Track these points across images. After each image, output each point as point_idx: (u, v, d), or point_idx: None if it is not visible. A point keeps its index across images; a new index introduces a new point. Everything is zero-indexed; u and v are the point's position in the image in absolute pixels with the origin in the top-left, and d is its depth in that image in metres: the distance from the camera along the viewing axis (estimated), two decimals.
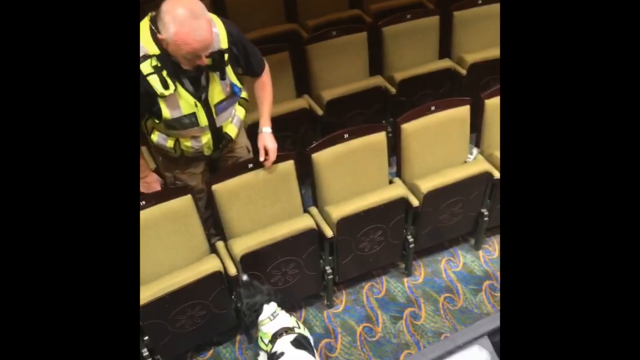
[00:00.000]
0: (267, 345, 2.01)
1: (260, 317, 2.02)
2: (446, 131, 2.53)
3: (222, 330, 2.42)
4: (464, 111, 2.54)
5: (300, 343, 1.98)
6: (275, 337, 1.99)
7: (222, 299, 2.25)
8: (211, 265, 2.16)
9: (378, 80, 3.08)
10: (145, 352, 2.15)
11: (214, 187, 2.19)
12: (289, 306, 2.57)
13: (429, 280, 2.73)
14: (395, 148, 2.56)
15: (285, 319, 2.05)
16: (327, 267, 2.48)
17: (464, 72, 3.15)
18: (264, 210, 2.30)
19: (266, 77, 2.19)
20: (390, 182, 2.54)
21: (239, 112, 2.19)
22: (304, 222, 2.29)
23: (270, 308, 2.03)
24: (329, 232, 2.32)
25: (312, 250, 2.36)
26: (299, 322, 2.11)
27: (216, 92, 2.00)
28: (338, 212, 2.30)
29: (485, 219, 2.72)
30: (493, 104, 2.59)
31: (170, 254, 2.17)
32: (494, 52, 3.19)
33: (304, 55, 3.01)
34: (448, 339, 1.41)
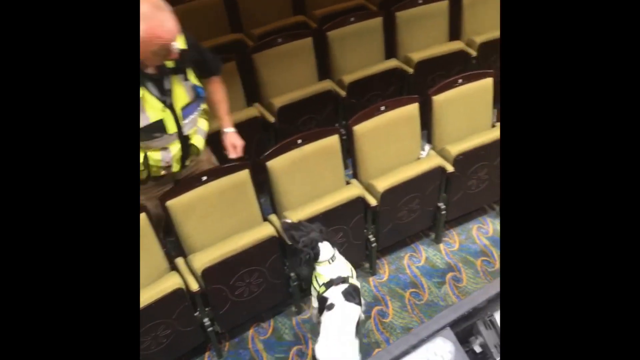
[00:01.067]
0: (320, 287, 2.14)
1: (320, 258, 2.12)
2: (397, 130, 2.61)
3: (192, 346, 2.40)
4: (413, 109, 2.63)
5: (350, 294, 2.10)
6: (331, 283, 2.11)
7: (186, 316, 2.23)
8: (172, 282, 2.15)
9: (327, 84, 3.15)
10: None
11: (168, 202, 2.18)
12: (257, 316, 2.59)
13: (393, 277, 2.80)
14: (349, 150, 2.62)
15: (342, 265, 2.17)
16: (292, 274, 2.50)
17: (410, 70, 3.27)
18: (222, 222, 2.31)
19: (220, 78, 2.22)
20: (347, 183, 2.60)
21: (201, 124, 2.19)
22: (265, 231, 2.31)
23: (327, 249, 2.13)
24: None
25: (275, 258, 2.38)
26: (352, 268, 2.22)
27: (180, 96, 2.00)
28: (296, 217, 2.33)
29: (443, 212, 2.82)
30: (440, 100, 2.70)
31: None
32: (438, 49, 3.33)
33: (252, 64, 3.04)
34: (411, 333, 1.45)
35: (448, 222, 2.98)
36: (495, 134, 2.75)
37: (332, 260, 2.15)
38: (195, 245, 2.29)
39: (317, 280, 2.16)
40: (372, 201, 2.51)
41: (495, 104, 2.90)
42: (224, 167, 2.28)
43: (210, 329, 2.36)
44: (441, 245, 2.96)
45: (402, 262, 2.88)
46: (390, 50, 3.43)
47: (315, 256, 2.12)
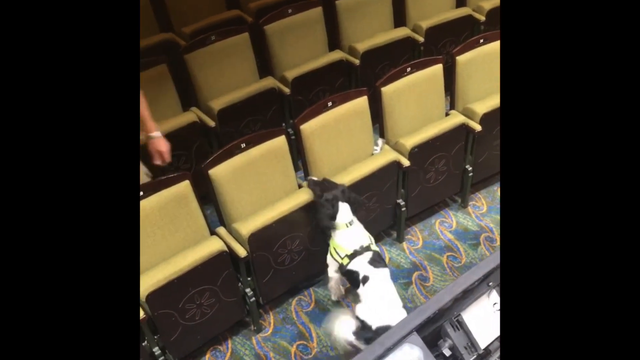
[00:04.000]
0: (342, 258, 2.29)
1: (338, 219, 2.27)
2: (348, 125, 2.61)
3: None
4: (362, 102, 2.64)
5: (376, 261, 2.27)
6: (355, 255, 2.26)
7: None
8: None
9: (269, 82, 3.12)
10: None
11: None
12: (213, 339, 2.52)
13: None
14: (299, 150, 2.60)
15: (361, 232, 2.34)
16: (248, 290, 2.45)
17: (357, 61, 3.28)
18: (164, 241, 2.23)
19: None
20: (300, 186, 2.57)
21: None
22: (212, 246, 2.26)
23: (346, 211, 2.28)
24: (241, 251, 2.30)
25: (227, 274, 2.33)
26: (369, 235, 2.37)
27: None
28: (247, 227, 2.30)
29: (403, 209, 2.84)
30: (390, 91, 2.72)
31: None
32: (384, 38, 3.36)
33: (185, 66, 2.97)
34: (376, 343, 1.44)
35: (409, 219, 3.02)
36: (449, 122, 2.79)
37: (350, 225, 2.29)
38: None
39: (337, 252, 2.30)
40: None
41: (446, 91, 2.95)
42: (162, 179, 2.20)
43: (161, 358, 2.28)
44: (404, 244, 2.98)
45: None
46: (334, 41, 3.44)
47: (334, 214, 2.26)
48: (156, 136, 2.28)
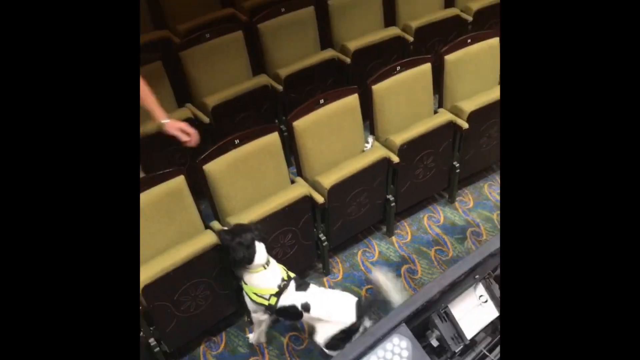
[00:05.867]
0: (269, 300, 2.13)
1: (255, 261, 2.09)
2: (339, 123, 2.62)
3: None
4: (353, 100, 2.64)
5: (301, 286, 2.16)
6: (280, 292, 2.12)
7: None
8: None
9: (263, 80, 3.11)
10: None
11: None
12: (208, 330, 2.52)
13: (348, 275, 2.82)
14: (291, 147, 2.59)
15: (275, 267, 2.17)
16: (241, 283, 2.45)
17: (348, 60, 3.28)
18: (160, 234, 2.23)
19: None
20: (292, 182, 2.57)
21: None
22: (206, 239, 2.25)
23: (262, 252, 2.11)
24: None
25: (221, 268, 2.32)
26: (282, 267, 2.22)
27: None
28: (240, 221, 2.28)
29: (392, 204, 2.85)
30: (380, 89, 2.72)
31: None
32: (374, 37, 3.36)
33: (179, 63, 2.95)
34: (367, 333, 1.45)
35: (398, 214, 3.03)
36: (437, 120, 2.80)
37: (267, 265, 2.15)
38: None
39: (260, 296, 2.15)
40: (320, 199, 2.50)
41: (435, 89, 2.96)
42: (157, 175, 2.19)
43: (157, 349, 2.28)
44: (394, 238, 3.00)
45: (355, 259, 2.90)
46: (326, 40, 3.43)
47: (250, 258, 2.08)
48: (167, 122, 2.23)
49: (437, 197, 3.22)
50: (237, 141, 2.34)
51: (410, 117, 2.83)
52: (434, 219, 3.11)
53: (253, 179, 2.43)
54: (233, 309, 2.53)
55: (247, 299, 2.21)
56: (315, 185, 2.55)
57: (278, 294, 2.13)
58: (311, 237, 2.63)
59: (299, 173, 2.65)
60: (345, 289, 2.73)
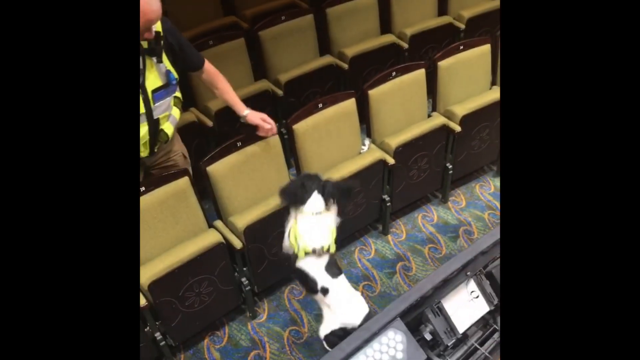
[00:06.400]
0: (299, 249, 2.03)
1: (307, 204, 2.03)
2: (337, 126, 2.64)
3: None
4: (350, 104, 2.67)
5: (332, 268, 2.06)
6: (312, 253, 2.03)
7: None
8: None
9: (264, 85, 3.14)
10: None
11: None
12: (211, 325, 2.54)
13: (345, 272, 2.82)
14: (291, 149, 2.61)
15: (325, 229, 2.05)
16: (243, 279, 2.47)
17: (345, 66, 3.30)
18: (165, 233, 2.24)
19: (212, 68, 2.25)
20: None
21: (174, 112, 2.18)
22: (210, 238, 2.27)
23: (318, 203, 2.03)
24: (237, 243, 2.32)
25: (225, 265, 2.34)
26: (334, 239, 2.10)
27: (152, 78, 1.99)
28: (243, 220, 2.32)
29: (388, 204, 2.87)
30: (376, 94, 2.74)
31: None
32: (371, 44, 3.39)
33: None
34: (363, 328, 1.47)
35: (394, 213, 3.05)
36: (431, 123, 2.83)
37: (316, 215, 2.04)
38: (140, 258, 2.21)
39: (295, 239, 2.06)
40: None
41: (429, 94, 2.98)
42: (163, 176, 2.21)
43: (162, 343, 2.30)
44: (389, 237, 3.02)
45: (352, 256, 2.92)
46: (324, 46, 3.45)
47: (302, 199, 2.04)
48: (248, 113, 2.28)
49: (431, 197, 3.24)
50: (239, 143, 2.36)
51: (405, 120, 2.85)
52: (427, 218, 3.13)
53: (255, 180, 2.45)
54: (236, 304, 2.55)
55: (286, 235, 2.14)
56: None
57: (308, 255, 2.04)
58: None
59: (299, 174, 2.66)
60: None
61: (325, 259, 2.07)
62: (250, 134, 2.39)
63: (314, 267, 2.05)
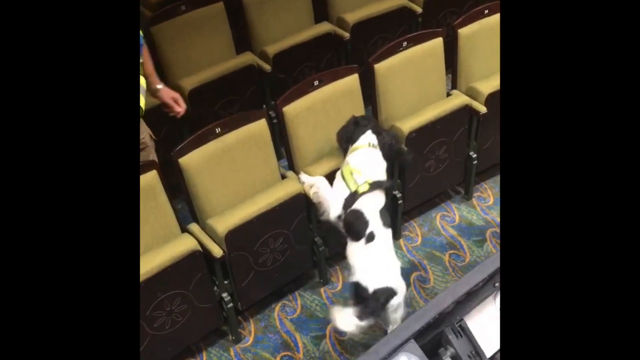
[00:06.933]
0: (360, 185, 2.27)
1: (362, 138, 2.37)
2: (336, 107, 2.63)
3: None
4: (353, 81, 2.66)
5: (385, 217, 2.29)
6: (375, 186, 2.29)
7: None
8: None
9: (248, 58, 3.13)
10: None
11: None
12: (186, 351, 2.52)
13: (348, 285, 2.81)
14: (282, 135, 2.60)
15: (379, 163, 2.37)
16: (224, 294, 2.46)
17: (346, 35, 3.28)
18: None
19: None
20: (284, 177, 2.58)
21: (140, 80, 2.27)
22: (184, 244, 2.27)
23: (369, 137, 2.37)
24: (217, 251, 2.31)
25: (201, 277, 2.33)
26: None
27: None
28: (224, 224, 2.31)
29: (400, 201, 2.87)
30: (384, 68, 2.72)
31: None
32: (378, 7, 3.37)
33: (151, 39, 2.96)
34: (370, 352, 1.45)
35: (407, 213, 3.04)
36: (451, 103, 2.81)
37: (371, 145, 2.35)
38: None
39: (352, 176, 2.30)
40: None
41: (447, 68, 2.96)
42: None
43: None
44: (401, 241, 3.01)
45: None
46: (321, 12, 3.45)
47: (350, 137, 2.38)
48: (161, 88, 2.46)
49: (452, 193, 3.23)
50: (218, 130, 2.35)
51: (419, 100, 2.84)
52: (447, 219, 3.12)
53: (237, 174, 2.44)
54: (215, 325, 2.55)
55: (338, 177, 2.38)
56: None
57: (373, 186, 2.27)
58: (306, 241, 2.63)
59: (291, 167, 2.66)
60: (345, 300, 2.74)
61: (382, 200, 2.31)
62: (233, 118, 2.38)
63: (371, 207, 2.26)
